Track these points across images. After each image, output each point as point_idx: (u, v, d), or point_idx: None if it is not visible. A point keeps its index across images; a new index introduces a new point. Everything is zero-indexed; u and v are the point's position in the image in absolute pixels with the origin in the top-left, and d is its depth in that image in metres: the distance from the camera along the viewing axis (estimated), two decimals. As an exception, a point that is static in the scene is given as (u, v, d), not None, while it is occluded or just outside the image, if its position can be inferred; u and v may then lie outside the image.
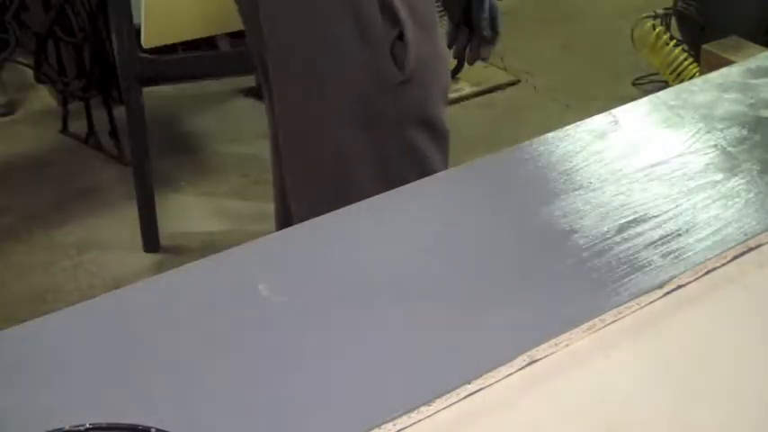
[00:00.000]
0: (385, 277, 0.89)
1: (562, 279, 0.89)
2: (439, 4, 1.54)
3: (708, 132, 1.14)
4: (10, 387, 0.77)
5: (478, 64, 3.45)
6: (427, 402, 0.75)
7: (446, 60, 1.24)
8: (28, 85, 3.23)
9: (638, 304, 0.86)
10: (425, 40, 1.13)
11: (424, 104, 1.18)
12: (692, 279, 0.89)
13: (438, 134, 1.23)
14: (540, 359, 0.80)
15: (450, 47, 1.47)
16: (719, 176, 1.05)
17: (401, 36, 1.10)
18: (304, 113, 1.18)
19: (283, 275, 0.90)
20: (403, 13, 1.05)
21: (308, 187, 1.25)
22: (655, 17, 3.13)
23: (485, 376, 0.77)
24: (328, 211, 0.93)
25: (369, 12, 1.04)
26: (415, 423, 0.73)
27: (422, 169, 1.17)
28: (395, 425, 0.73)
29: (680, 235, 0.95)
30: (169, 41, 2.30)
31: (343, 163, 1.18)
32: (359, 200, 0.95)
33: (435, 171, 1.14)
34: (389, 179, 1.14)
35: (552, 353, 0.80)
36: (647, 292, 0.87)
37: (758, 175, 1.05)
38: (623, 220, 0.97)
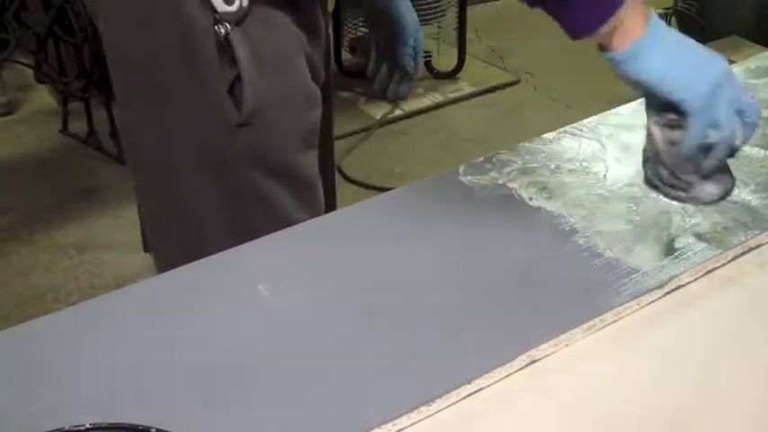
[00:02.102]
0: (386, 277, 0.89)
1: (562, 279, 0.89)
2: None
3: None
4: (10, 387, 0.77)
5: (478, 64, 3.45)
6: (427, 402, 0.75)
7: (311, 100, 1.08)
8: (28, 85, 3.23)
9: (638, 304, 0.86)
10: (274, 80, 1.01)
11: (269, 149, 1.05)
12: (691, 279, 0.89)
13: (294, 182, 1.08)
14: (540, 359, 0.80)
15: (372, 77, 1.40)
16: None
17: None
18: (154, 154, 1.09)
19: (283, 276, 0.90)
20: (242, 51, 0.97)
21: (162, 232, 1.17)
22: (655, 17, 3.13)
23: (485, 376, 0.77)
24: (184, 257, 0.91)
25: (205, 51, 0.97)
26: (415, 423, 0.73)
27: (274, 218, 1.05)
28: (395, 425, 0.73)
29: (680, 235, 0.95)
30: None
31: (194, 206, 1.09)
32: (211, 249, 0.92)
33: (292, 222, 1.00)
34: (238, 228, 1.06)
35: (552, 353, 0.80)
36: (647, 292, 0.87)
37: (758, 175, 1.05)
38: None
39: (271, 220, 1.02)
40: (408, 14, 1.37)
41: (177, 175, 1.06)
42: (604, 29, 0.94)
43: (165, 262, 1.07)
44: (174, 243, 1.12)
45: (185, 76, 0.99)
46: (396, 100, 1.46)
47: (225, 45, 0.96)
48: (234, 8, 0.96)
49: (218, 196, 1.05)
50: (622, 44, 0.95)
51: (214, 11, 0.95)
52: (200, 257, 0.91)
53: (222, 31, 0.96)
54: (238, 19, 0.96)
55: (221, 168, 1.03)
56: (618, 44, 0.95)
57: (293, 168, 1.07)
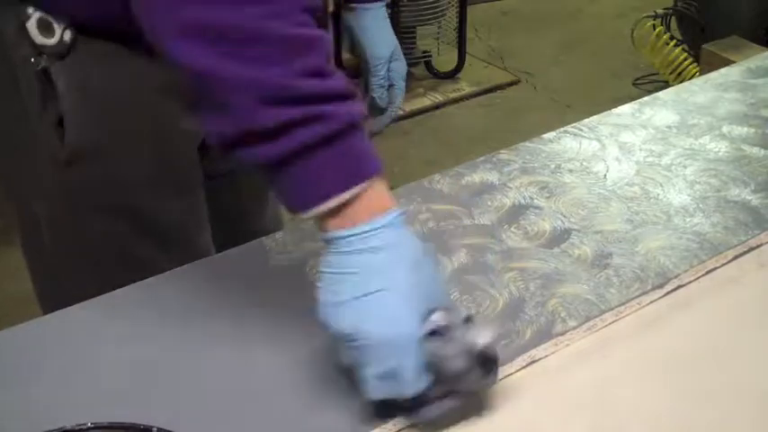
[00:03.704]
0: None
1: (562, 279, 0.89)
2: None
3: (708, 132, 1.14)
4: (10, 387, 0.77)
5: (478, 64, 3.45)
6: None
7: (171, 143, 0.96)
8: None
9: (638, 304, 0.86)
10: (107, 119, 0.91)
11: (108, 190, 0.95)
12: (692, 279, 0.89)
13: (151, 228, 0.98)
14: (540, 359, 0.80)
15: None
16: (720, 177, 1.05)
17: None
18: (10, 188, 1.03)
19: (283, 276, 0.90)
20: (62, 86, 0.88)
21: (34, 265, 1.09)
22: (655, 17, 3.13)
23: (485, 376, 0.77)
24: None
25: (24, 82, 0.90)
26: (415, 423, 0.73)
27: (125, 262, 0.98)
28: (395, 425, 0.73)
29: (680, 237, 0.95)
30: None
31: (51, 245, 1.02)
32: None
33: (153, 268, 0.92)
34: (94, 269, 0.99)
35: (552, 353, 0.80)
36: (648, 291, 0.87)
37: (758, 175, 1.05)
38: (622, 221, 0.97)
39: (121, 263, 0.97)
40: (381, 42, 1.25)
41: (28, 208, 1.01)
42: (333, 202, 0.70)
43: (49, 297, 1.03)
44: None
45: (11, 105, 0.93)
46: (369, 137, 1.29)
47: (41, 76, 0.89)
48: (53, 41, 0.88)
49: (68, 229, 0.99)
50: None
51: (32, 43, 0.88)
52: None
53: (43, 63, 0.89)
54: (60, 52, 0.89)
55: (63, 203, 0.96)
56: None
57: (139, 211, 0.98)
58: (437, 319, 0.70)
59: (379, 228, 0.70)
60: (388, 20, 1.26)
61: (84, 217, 0.97)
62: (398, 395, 0.70)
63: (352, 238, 0.70)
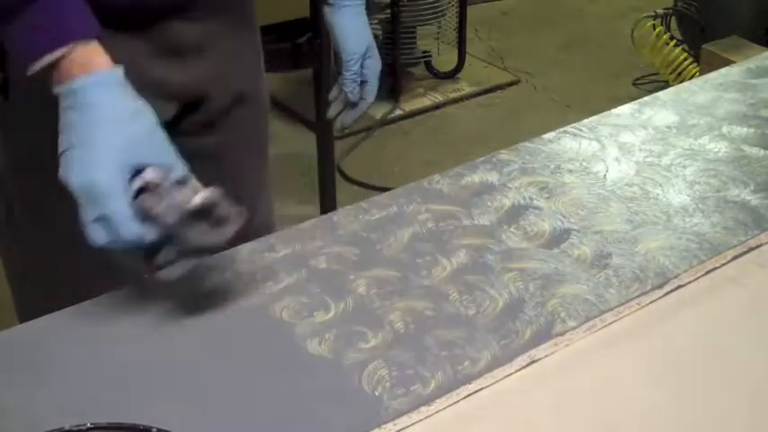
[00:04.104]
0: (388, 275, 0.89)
1: (561, 279, 0.89)
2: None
3: (707, 132, 1.14)
4: (10, 387, 0.77)
5: (478, 64, 3.45)
6: (427, 402, 0.75)
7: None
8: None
9: (638, 304, 0.86)
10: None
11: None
12: (692, 279, 0.89)
13: None
14: (540, 359, 0.80)
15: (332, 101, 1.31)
16: (720, 177, 1.05)
17: None
18: None
19: (284, 274, 0.90)
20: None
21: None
22: (655, 17, 3.13)
23: (485, 376, 0.77)
24: None
25: None
26: (415, 423, 0.73)
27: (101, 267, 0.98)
28: (395, 425, 0.73)
29: (680, 237, 0.95)
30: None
31: None
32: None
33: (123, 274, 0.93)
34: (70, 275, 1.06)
35: (552, 353, 0.81)
36: (647, 292, 0.87)
37: (758, 175, 1.05)
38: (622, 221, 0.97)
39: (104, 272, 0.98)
40: (354, 36, 1.26)
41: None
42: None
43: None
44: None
45: None
46: (341, 130, 1.31)
47: None
48: None
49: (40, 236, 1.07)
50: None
51: None
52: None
53: None
54: None
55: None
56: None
57: None
58: (147, 175, 0.78)
59: (81, 86, 0.80)
60: (366, 18, 1.27)
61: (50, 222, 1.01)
62: (117, 239, 0.78)
63: (63, 95, 0.81)
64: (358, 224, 0.98)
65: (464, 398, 0.76)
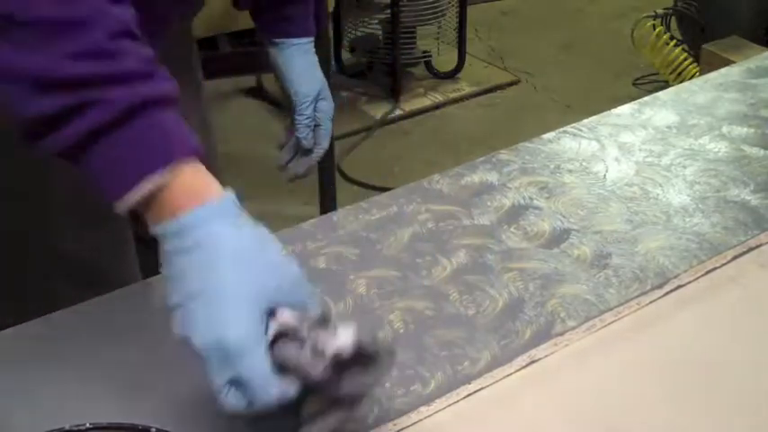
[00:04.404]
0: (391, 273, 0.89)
1: (561, 279, 0.89)
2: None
3: (707, 132, 1.14)
4: (10, 387, 0.77)
5: (478, 64, 3.45)
6: (427, 402, 0.75)
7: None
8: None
9: (638, 304, 0.86)
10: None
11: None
12: (691, 279, 0.89)
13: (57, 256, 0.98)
14: (540, 359, 0.80)
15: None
16: (720, 177, 1.05)
17: None
18: None
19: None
20: None
21: None
22: (655, 17, 3.12)
23: (485, 376, 0.77)
24: None
25: None
26: (414, 423, 0.73)
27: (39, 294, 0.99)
28: (395, 425, 0.73)
29: (680, 237, 0.95)
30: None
31: None
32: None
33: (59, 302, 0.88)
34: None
35: (552, 353, 0.81)
36: (647, 292, 0.87)
37: (758, 175, 1.05)
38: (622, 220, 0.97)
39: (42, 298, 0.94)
40: (307, 80, 1.18)
41: None
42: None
43: None
44: None
45: None
46: (292, 180, 1.23)
47: None
48: None
49: None
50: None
51: None
52: None
53: None
54: None
55: None
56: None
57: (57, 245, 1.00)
58: (282, 319, 0.65)
59: (192, 220, 0.64)
60: (315, 57, 1.20)
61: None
62: (253, 404, 0.64)
63: (170, 235, 0.65)
64: (358, 224, 0.98)
65: (464, 398, 0.76)
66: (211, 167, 1.00)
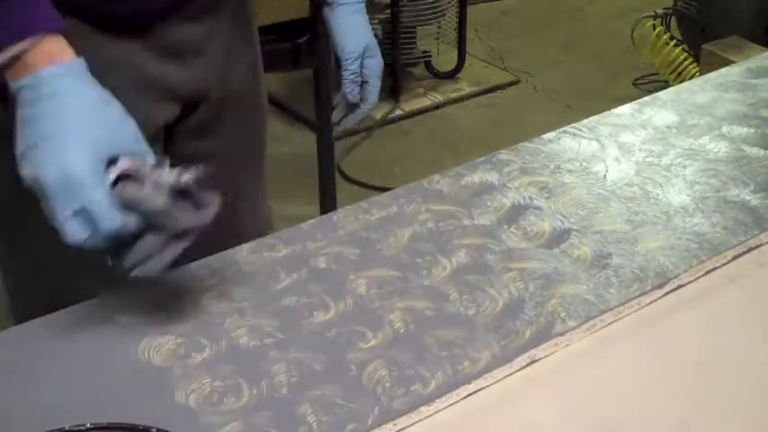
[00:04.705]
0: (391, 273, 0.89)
1: (561, 279, 0.89)
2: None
3: (707, 132, 1.14)
4: (10, 387, 0.77)
5: (478, 64, 3.44)
6: (427, 402, 0.75)
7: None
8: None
9: (638, 304, 0.86)
10: None
11: None
12: (692, 279, 0.89)
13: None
14: (540, 359, 0.80)
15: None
16: (720, 177, 1.05)
17: None
18: None
19: (283, 272, 0.90)
20: None
21: None
22: (655, 17, 3.13)
23: (485, 376, 0.77)
24: None
25: None
26: (414, 423, 0.73)
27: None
28: (395, 425, 0.73)
29: (680, 237, 0.95)
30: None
31: None
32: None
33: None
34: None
35: (552, 353, 0.81)
36: (647, 292, 0.87)
37: (758, 175, 1.05)
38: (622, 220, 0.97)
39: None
40: (352, 35, 1.23)
41: None
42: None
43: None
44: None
45: None
46: (340, 134, 1.26)
47: None
48: None
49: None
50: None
51: None
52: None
53: None
54: None
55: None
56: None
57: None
58: (123, 164, 0.75)
59: (47, 76, 0.77)
60: (365, 16, 1.24)
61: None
62: (96, 235, 0.74)
63: (26, 88, 0.77)
64: (358, 224, 0.98)
65: (464, 398, 0.76)
66: (259, 120, 1.18)
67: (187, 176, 0.76)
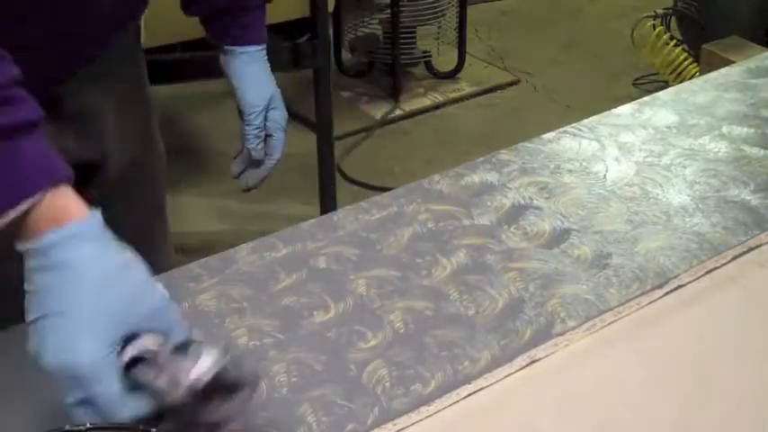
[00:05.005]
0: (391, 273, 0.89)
1: (561, 279, 0.89)
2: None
3: (707, 132, 1.14)
4: (10, 387, 0.77)
5: (478, 64, 3.45)
6: (427, 402, 0.75)
7: None
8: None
9: (638, 304, 0.86)
10: None
11: None
12: (692, 279, 0.89)
13: None
14: (540, 359, 0.80)
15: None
16: (720, 177, 1.05)
17: None
18: None
19: (285, 273, 0.90)
20: None
21: None
22: (655, 17, 3.12)
23: (485, 376, 0.77)
24: None
25: None
26: (414, 423, 0.73)
27: None
28: (395, 425, 0.73)
29: (680, 237, 0.95)
30: (169, 41, 2.30)
31: None
32: None
33: None
34: None
35: (552, 353, 0.81)
36: (647, 292, 0.87)
37: (758, 175, 1.05)
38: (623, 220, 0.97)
39: None
40: (255, 87, 1.15)
41: None
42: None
43: None
44: None
45: None
46: (246, 190, 1.20)
47: None
48: None
49: None
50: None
51: None
52: None
53: None
54: None
55: None
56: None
57: None
58: (140, 345, 0.64)
59: (49, 243, 0.65)
60: (267, 64, 1.16)
61: None
62: (104, 419, 0.63)
63: (30, 254, 0.65)
64: (358, 224, 0.98)
65: (464, 398, 0.76)
66: (157, 179, 1.06)
67: (214, 365, 0.64)
